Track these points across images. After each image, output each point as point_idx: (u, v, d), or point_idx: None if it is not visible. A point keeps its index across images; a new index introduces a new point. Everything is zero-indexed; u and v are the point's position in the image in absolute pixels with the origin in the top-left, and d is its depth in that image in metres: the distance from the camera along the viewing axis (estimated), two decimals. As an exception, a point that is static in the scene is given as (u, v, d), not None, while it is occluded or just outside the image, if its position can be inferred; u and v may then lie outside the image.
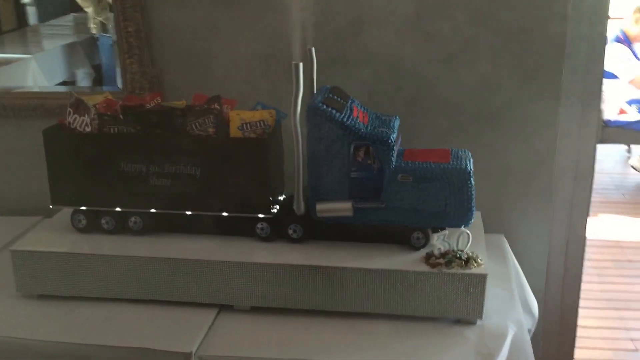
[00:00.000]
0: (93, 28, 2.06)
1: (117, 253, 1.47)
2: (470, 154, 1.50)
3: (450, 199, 1.41)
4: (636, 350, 2.81)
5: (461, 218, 1.42)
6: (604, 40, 1.75)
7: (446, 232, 1.42)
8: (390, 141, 1.39)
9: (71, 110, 1.52)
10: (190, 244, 1.50)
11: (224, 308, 1.48)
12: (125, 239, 1.53)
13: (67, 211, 1.59)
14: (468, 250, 1.41)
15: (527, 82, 1.74)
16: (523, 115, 1.77)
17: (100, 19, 2.04)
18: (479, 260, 1.40)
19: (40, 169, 1.54)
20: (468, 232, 1.42)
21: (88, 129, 1.49)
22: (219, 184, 1.47)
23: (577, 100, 1.77)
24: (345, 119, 1.40)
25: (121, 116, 1.50)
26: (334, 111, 1.40)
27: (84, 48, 2.16)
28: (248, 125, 1.45)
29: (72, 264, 1.48)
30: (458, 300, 1.39)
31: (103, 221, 1.54)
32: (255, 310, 1.46)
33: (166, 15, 1.80)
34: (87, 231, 1.55)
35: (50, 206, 1.56)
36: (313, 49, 1.56)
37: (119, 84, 1.90)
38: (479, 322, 1.41)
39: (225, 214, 1.49)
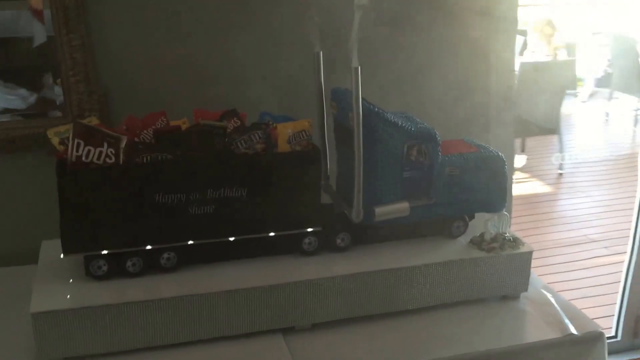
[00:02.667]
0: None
1: (160, 296, 1.28)
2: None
3: (491, 186, 1.48)
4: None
5: (500, 203, 1.51)
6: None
7: (494, 217, 1.49)
8: (437, 136, 1.42)
9: (81, 142, 1.26)
10: (235, 272, 1.37)
11: (285, 331, 1.37)
12: (157, 279, 1.33)
13: (56, 257, 1.34)
14: (508, 231, 1.51)
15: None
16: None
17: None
18: (522, 239, 1.50)
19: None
20: (507, 214, 1.51)
21: (110, 160, 1.26)
22: (267, 203, 1.36)
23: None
24: (395, 119, 1.39)
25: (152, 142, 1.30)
26: (386, 112, 1.38)
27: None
28: (293, 137, 1.36)
29: (106, 317, 1.25)
30: (508, 278, 1.48)
31: (129, 263, 1.32)
32: (316, 326, 1.39)
33: (109, 28, 1.59)
34: (107, 278, 1.32)
35: (62, 256, 1.29)
36: (321, 52, 1.50)
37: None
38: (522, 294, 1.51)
39: (272, 233, 1.38)
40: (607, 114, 6.26)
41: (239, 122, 1.40)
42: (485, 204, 1.50)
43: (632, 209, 4.34)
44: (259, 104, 1.58)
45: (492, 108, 1.99)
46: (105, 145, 1.27)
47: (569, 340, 1.37)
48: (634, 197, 4.59)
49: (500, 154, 1.50)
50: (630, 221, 3.98)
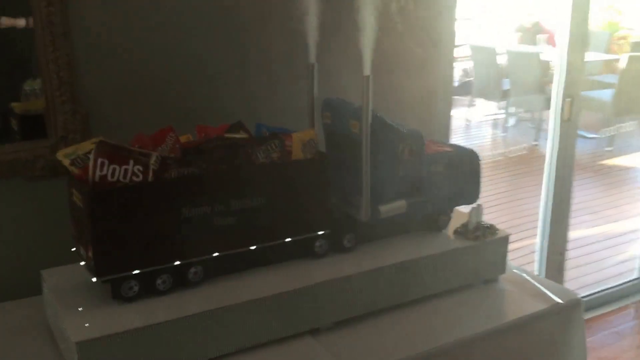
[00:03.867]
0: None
1: (194, 311, 1.28)
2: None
3: (469, 179, 1.64)
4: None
5: (476, 194, 1.67)
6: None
7: (475, 207, 1.65)
8: (424, 137, 1.55)
9: (105, 161, 1.25)
10: (257, 280, 1.40)
11: (313, 333, 1.43)
12: (188, 295, 1.34)
13: (66, 284, 1.32)
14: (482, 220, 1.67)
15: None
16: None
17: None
18: (496, 226, 1.67)
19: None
20: (480, 204, 1.67)
21: (137, 178, 1.26)
22: (284, 210, 1.41)
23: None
24: (392, 122, 1.50)
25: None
26: (385, 117, 1.49)
27: None
28: (306, 145, 1.43)
29: (148, 338, 1.24)
30: (490, 262, 1.64)
31: (159, 281, 1.32)
32: (338, 324, 1.46)
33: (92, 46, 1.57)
34: (137, 298, 1.30)
35: (94, 279, 1.26)
36: (316, 64, 1.59)
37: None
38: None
39: (288, 239, 1.44)
40: (469, 120, 6.81)
41: (246, 134, 1.45)
42: (464, 196, 1.66)
43: (508, 202, 4.77)
44: (249, 116, 1.63)
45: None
46: (132, 162, 1.26)
47: (555, 309, 1.55)
48: (507, 192, 5.05)
49: (473, 150, 1.66)
50: (510, 214, 4.37)
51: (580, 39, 2.51)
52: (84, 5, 1.53)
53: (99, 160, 1.25)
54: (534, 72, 5.86)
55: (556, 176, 2.66)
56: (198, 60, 1.72)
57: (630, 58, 5.84)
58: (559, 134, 2.56)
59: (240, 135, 1.39)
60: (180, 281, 1.34)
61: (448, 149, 1.65)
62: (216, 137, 1.38)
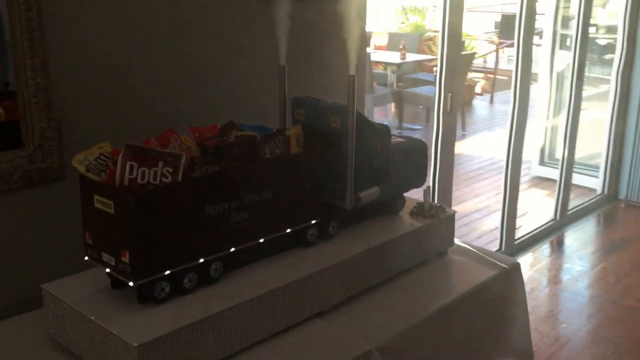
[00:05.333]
0: None
1: (224, 306, 1.33)
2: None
3: (419, 165, 1.84)
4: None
5: (423, 179, 1.87)
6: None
7: (426, 189, 1.84)
8: (390, 129, 1.72)
9: (134, 164, 1.26)
10: (266, 271, 1.48)
11: (319, 315, 1.53)
12: (210, 291, 1.38)
13: (78, 293, 1.32)
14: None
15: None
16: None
17: None
18: (444, 205, 1.89)
19: None
20: (430, 185, 1.88)
21: (167, 180, 1.28)
22: (286, 202, 1.50)
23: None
24: (367, 118, 1.65)
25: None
26: (360, 112, 1.63)
27: None
28: (297, 140, 1.53)
29: (193, 334, 1.28)
30: (443, 237, 1.86)
31: (186, 280, 1.34)
32: (335, 306, 1.58)
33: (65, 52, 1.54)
34: (168, 299, 1.32)
35: (131, 283, 1.25)
36: (285, 65, 1.68)
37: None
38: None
39: (289, 230, 1.53)
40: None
41: (239, 132, 1.51)
42: (415, 180, 1.85)
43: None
44: (224, 115, 1.68)
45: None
46: (161, 164, 1.28)
47: (504, 274, 1.80)
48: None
49: (421, 139, 1.87)
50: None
51: (456, 40, 2.84)
52: (56, 10, 1.49)
53: (128, 164, 1.26)
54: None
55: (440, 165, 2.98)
56: (172, 64, 1.73)
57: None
58: (441, 124, 2.87)
59: (247, 133, 1.45)
60: (203, 278, 1.38)
61: (401, 139, 1.83)
62: (237, 135, 1.44)
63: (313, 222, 1.59)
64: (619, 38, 4.67)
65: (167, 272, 1.31)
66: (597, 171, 5.00)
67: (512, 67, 3.54)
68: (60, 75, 1.52)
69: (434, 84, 6.90)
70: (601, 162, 4.94)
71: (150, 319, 1.27)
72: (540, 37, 5.40)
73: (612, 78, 4.76)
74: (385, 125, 1.70)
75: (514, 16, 3.70)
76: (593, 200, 4.82)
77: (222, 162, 1.36)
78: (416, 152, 1.83)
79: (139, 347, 1.18)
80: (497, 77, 8.92)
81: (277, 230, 1.51)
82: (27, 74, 1.43)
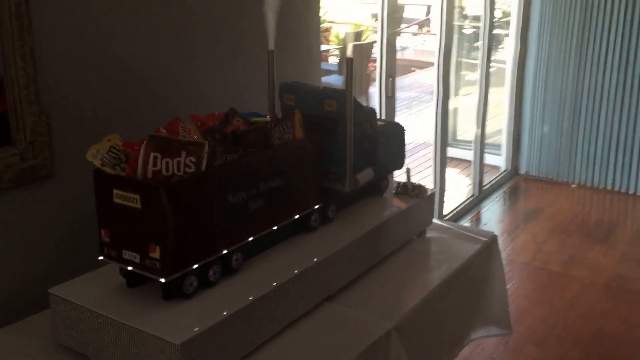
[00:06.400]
0: None
1: (253, 297, 1.30)
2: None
3: (400, 147, 1.87)
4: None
5: (402, 160, 1.90)
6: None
7: (407, 170, 1.88)
8: (376, 111, 1.74)
9: (158, 155, 1.20)
10: (279, 259, 1.46)
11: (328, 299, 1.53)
12: (233, 282, 1.34)
13: (94, 295, 1.26)
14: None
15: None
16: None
17: None
18: (424, 184, 1.93)
19: None
20: (409, 167, 1.92)
21: (190, 170, 1.23)
22: (294, 188, 1.48)
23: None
24: (359, 101, 1.66)
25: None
26: (355, 98, 1.63)
27: None
28: (301, 123, 1.51)
29: (238, 324, 1.25)
30: (424, 216, 1.90)
31: (211, 272, 1.30)
32: (340, 290, 1.58)
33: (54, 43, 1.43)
34: (194, 294, 1.27)
35: (162, 280, 1.19)
36: (274, 50, 1.65)
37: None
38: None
39: (297, 216, 1.51)
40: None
41: (242, 119, 1.47)
42: (396, 162, 1.88)
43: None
44: (214, 104, 1.63)
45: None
46: (184, 154, 1.23)
47: (486, 247, 1.87)
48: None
49: (399, 122, 1.90)
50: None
51: (393, 29, 2.90)
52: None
53: (152, 155, 1.20)
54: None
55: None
56: (162, 53, 1.66)
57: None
58: (384, 108, 2.93)
59: (267, 119, 1.42)
60: (225, 270, 1.34)
61: (381, 122, 1.85)
62: (252, 122, 1.40)
63: (316, 207, 1.58)
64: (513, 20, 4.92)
65: (196, 265, 1.26)
66: (499, 149, 5.28)
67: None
68: (48, 67, 1.42)
69: (337, 72, 7.05)
70: (502, 140, 5.23)
71: (183, 315, 1.22)
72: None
73: (509, 60, 5.02)
74: (372, 108, 1.72)
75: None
76: (500, 177, 5.09)
77: (239, 149, 1.33)
78: (396, 134, 1.86)
79: (181, 345, 1.13)
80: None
81: (287, 217, 1.49)
82: (16, 64, 1.32)
